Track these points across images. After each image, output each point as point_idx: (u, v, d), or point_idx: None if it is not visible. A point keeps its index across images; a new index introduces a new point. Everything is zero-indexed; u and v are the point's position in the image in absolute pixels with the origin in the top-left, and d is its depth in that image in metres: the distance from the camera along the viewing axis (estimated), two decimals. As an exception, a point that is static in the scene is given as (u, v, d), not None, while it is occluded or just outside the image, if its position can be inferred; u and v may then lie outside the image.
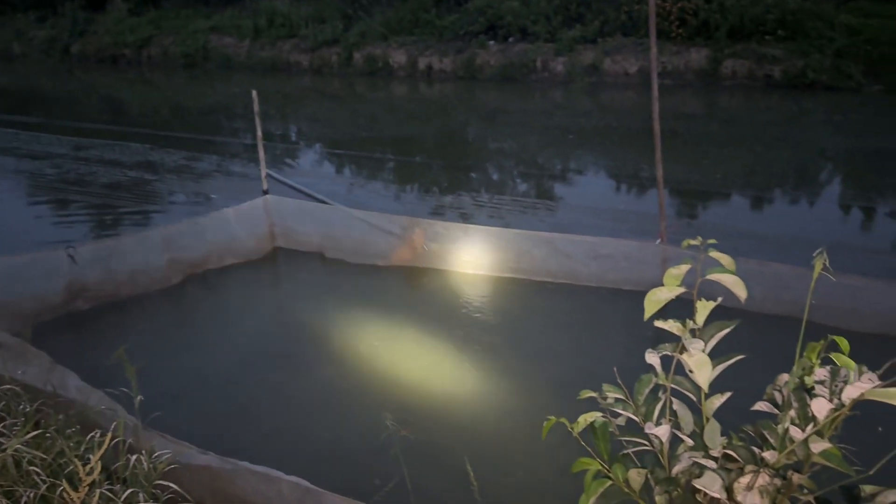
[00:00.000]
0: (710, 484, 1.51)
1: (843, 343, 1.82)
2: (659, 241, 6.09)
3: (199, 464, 3.12)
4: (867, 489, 1.80)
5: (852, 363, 1.76)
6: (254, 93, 7.33)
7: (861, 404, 1.73)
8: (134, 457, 3.07)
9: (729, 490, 1.50)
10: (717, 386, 1.98)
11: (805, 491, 1.79)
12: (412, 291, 6.76)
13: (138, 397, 3.36)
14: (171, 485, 3.02)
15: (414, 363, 5.18)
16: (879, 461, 1.83)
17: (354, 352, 5.35)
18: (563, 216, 9.60)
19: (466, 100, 19.64)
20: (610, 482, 1.76)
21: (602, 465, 1.79)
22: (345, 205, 8.23)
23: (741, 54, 17.47)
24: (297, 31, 24.71)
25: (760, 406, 1.93)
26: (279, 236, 7.60)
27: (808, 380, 1.66)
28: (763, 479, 1.49)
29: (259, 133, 7.53)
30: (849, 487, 1.83)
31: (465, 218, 9.49)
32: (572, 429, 1.96)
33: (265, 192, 7.60)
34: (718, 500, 1.54)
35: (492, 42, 21.03)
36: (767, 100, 16.59)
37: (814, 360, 1.82)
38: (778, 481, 1.51)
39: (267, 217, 7.50)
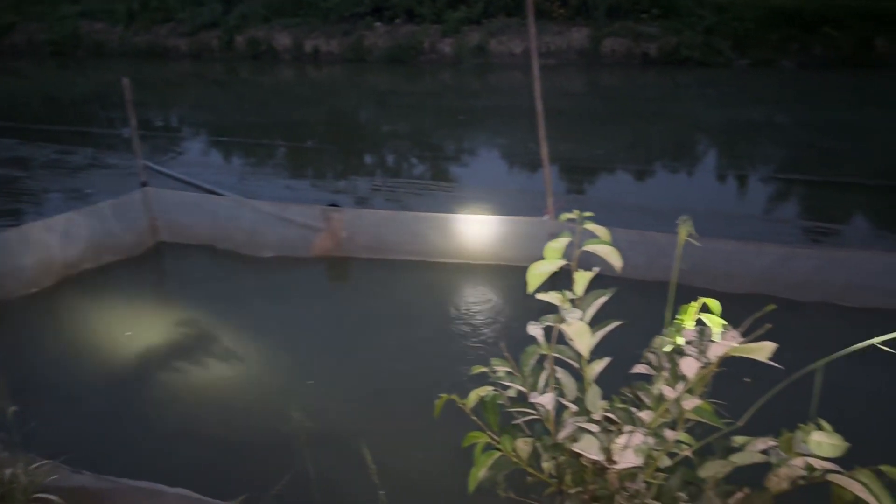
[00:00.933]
0: (589, 447, 1.56)
1: (714, 304, 1.92)
2: (546, 216, 6.25)
3: (72, 486, 2.93)
4: (738, 440, 1.92)
5: (720, 322, 1.85)
6: (125, 81, 6.93)
7: (729, 361, 1.83)
8: (9, 471, 2.87)
9: (608, 451, 1.56)
10: (602, 352, 2.05)
11: (684, 446, 1.88)
12: (309, 281, 6.63)
13: (11, 409, 3.14)
14: (52, 497, 2.84)
15: (310, 353, 5.10)
16: (747, 412, 1.94)
17: (249, 346, 5.20)
18: (459, 197, 9.68)
19: (356, 82, 19.39)
20: (499, 453, 1.78)
21: (491, 437, 1.82)
22: (235, 194, 7.97)
23: (619, 33, 18.12)
24: (173, 15, 23.60)
25: (639, 369, 2.01)
26: (162, 230, 7.26)
27: (678, 341, 1.74)
28: (637, 438, 1.55)
29: (133, 122, 7.14)
30: (722, 440, 1.95)
31: (362, 202, 9.41)
32: (463, 405, 1.97)
33: (143, 184, 7.23)
34: (614, 469, 1.60)
35: (378, 23, 20.84)
36: (645, 76, 17.30)
37: (687, 322, 1.91)
38: (652, 440, 1.58)
39: (146, 210, 7.14)
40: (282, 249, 6.85)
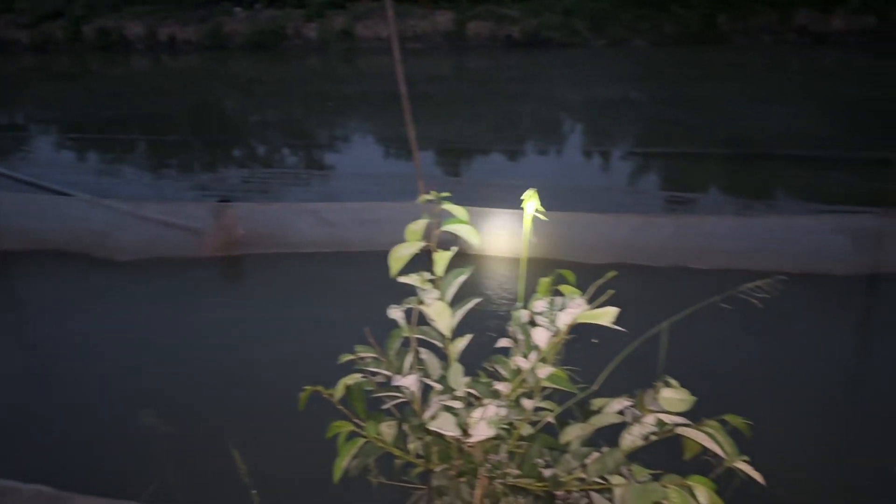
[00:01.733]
0: (445, 424, 1.58)
1: (569, 275, 1.99)
2: (418, 200, 6.27)
3: None
4: (597, 402, 2.01)
5: (575, 292, 1.93)
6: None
7: (582, 328, 1.91)
8: None
9: (464, 426, 1.59)
10: (471, 329, 2.09)
11: (546, 413, 1.94)
12: (170, 281, 6.32)
13: None
14: None
15: (174, 354, 4.88)
16: (601, 376, 2.03)
17: (108, 350, 4.91)
18: (332, 185, 9.56)
19: (218, 71, 18.65)
20: (364, 440, 1.78)
21: (356, 424, 1.81)
22: (90, 194, 7.47)
23: (483, 16, 18.45)
24: (12, 5, 21.72)
25: (504, 343, 2.07)
26: (5, 236, 6.69)
27: (531, 312, 1.80)
28: (490, 410, 1.59)
29: (-35, 121, 6.52)
30: (581, 403, 2.03)
31: (232, 196, 9.08)
32: (329, 395, 1.95)
33: (-17, 189, 6.64)
34: (469, 442, 1.63)
35: (238, 8, 20.10)
36: (509, 58, 17.74)
37: (544, 294, 1.98)
38: (504, 411, 1.62)
39: (-11, 217, 6.57)
40: (161, 251, 6.49)
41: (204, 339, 5.11)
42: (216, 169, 10.69)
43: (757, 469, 1.71)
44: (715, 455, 1.75)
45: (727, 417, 1.84)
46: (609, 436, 2.03)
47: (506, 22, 18.31)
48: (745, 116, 11.87)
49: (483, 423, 1.52)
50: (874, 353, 4.99)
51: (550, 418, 1.99)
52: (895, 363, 4.69)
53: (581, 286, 1.93)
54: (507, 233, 5.80)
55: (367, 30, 19.05)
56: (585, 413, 2.02)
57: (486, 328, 2.21)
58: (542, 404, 1.98)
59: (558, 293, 2.03)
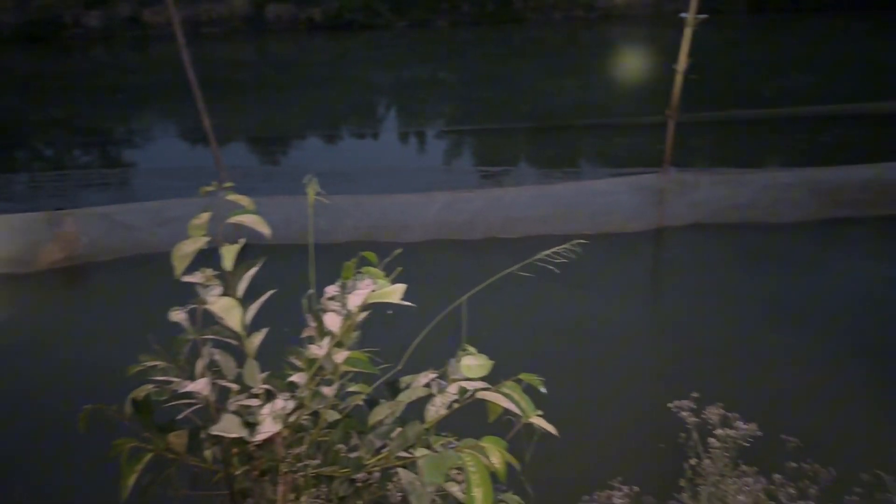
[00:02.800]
0: (228, 427, 1.51)
1: (371, 256, 1.97)
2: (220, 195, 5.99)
3: None
4: (405, 380, 2.02)
5: (378, 273, 1.91)
6: None
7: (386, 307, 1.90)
8: None
9: (252, 424, 1.53)
10: (283, 322, 2.01)
11: (351, 398, 1.92)
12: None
13: None
14: None
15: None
16: (405, 354, 2.04)
17: None
18: (132, 184, 8.89)
19: (-14, 67, 16.61)
20: (152, 454, 1.66)
21: (141, 438, 1.68)
22: None
23: (283, -1, 17.97)
24: None
25: (308, 332, 2.01)
26: None
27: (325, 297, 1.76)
28: (278, 404, 1.55)
29: None
30: (390, 382, 2.03)
31: (10, 203, 8.15)
32: (115, 412, 1.80)
33: None
34: (256, 441, 1.56)
35: (3, -3, 18.00)
36: (313, 41, 17.40)
37: (348, 278, 1.94)
38: (292, 403, 1.58)
39: None
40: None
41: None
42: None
43: (553, 420, 1.79)
44: (515, 414, 1.82)
45: (522, 376, 1.92)
46: (421, 413, 2.05)
47: (307, 4, 17.91)
48: (543, 91, 12.54)
49: (269, 419, 1.47)
50: (665, 298, 5.51)
51: (360, 401, 1.97)
52: (686, 306, 5.20)
53: (398, 266, 1.92)
54: (323, 219, 5.72)
55: (156, 16, 17.79)
56: (394, 391, 2.02)
57: (292, 321, 2.15)
58: (353, 388, 1.96)
59: (346, 281, 2.00)
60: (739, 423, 1.72)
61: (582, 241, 2.60)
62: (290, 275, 2.14)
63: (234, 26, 17.89)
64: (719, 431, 1.71)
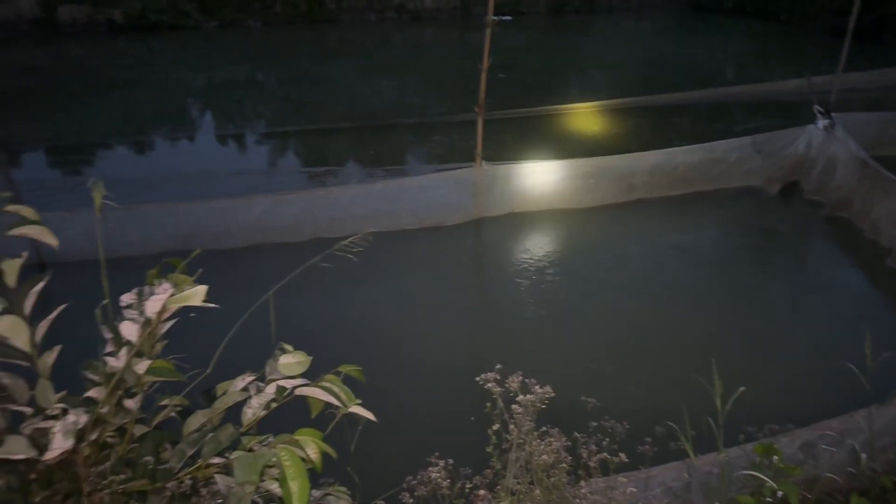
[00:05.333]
0: (14, 449, 1.42)
1: (177, 262, 1.90)
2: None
3: None
4: (222, 385, 1.98)
5: (186, 279, 1.85)
6: None
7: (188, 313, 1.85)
8: None
9: (43, 443, 1.45)
10: (74, 340, 1.89)
11: (161, 410, 1.86)
12: None
13: None
14: None
15: None
16: (213, 358, 2.00)
17: None
18: None
19: None
20: (-70, 494, 1.52)
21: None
22: None
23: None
24: None
25: (110, 346, 1.91)
26: None
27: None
28: (69, 419, 1.48)
29: None
30: (206, 390, 1.99)
31: None
32: None
33: None
34: (45, 459, 1.48)
35: None
36: (116, 44, 16.24)
37: (154, 284, 1.87)
38: (85, 417, 1.52)
39: None
40: None
41: None
42: None
43: (372, 407, 1.85)
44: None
45: (342, 368, 1.96)
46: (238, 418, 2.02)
47: (104, 5, 16.65)
48: (361, 91, 12.60)
49: (59, 436, 1.40)
50: (482, 281, 5.78)
51: (174, 412, 1.91)
52: (500, 287, 5.49)
53: (219, 272, 1.87)
54: (135, 231, 5.41)
55: (-77, 17, 15.78)
56: (210, 399, 1.98)
57: (93, 337, 2.03)
58: (165, 401, 1.90)
59: (142, 287, 1.93)
60: (537, 388, 1.87)
61: (371, 231, 2.70)
62: (92, 290, 2.04)
63: (21, 30, 16.24)
64: (521, 398, 1.85)
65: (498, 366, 1.98)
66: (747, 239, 6.60)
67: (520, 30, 18.43)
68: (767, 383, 4.13)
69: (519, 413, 1.84)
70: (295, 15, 18.00)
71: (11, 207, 1.94)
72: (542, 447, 1.81)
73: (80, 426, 1.44)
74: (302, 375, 1.93)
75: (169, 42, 16.34)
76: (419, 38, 18.74)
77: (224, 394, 1.96)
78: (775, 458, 2.64)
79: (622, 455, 1.92)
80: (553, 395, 1.87)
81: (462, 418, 2.91)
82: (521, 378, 1.91)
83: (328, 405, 1.94)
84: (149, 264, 1.92)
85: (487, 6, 5.98)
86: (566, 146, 9.23)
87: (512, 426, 1.84)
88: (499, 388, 1.89)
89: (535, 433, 1.83)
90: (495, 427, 1.83)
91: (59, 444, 1.40)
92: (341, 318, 4.88)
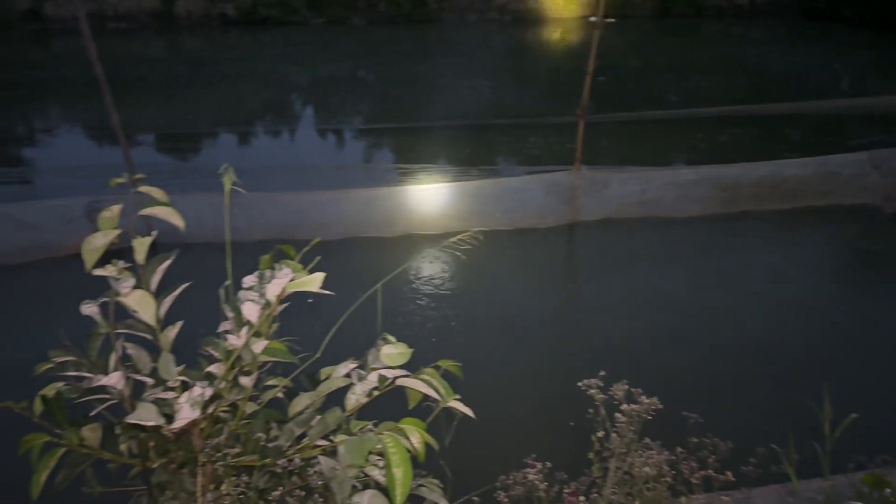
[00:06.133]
0: (145, 415, 1.51)
1: (289, 249, 1.98)
2: (133, 190, 5.82)
3: None
4: (325, 371, 2.04)
5: (296, 266, 1.93)
6: None
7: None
8: None
9: (169, 414, 1.53)
10: (195, 318, 1.99)
11: (269, 390, 1.93)
12: None
13: None
14: None
15: None
16: (322, 343, 2.06)
17: None
18: (35, 183, 8.48)
19: None
20: (64, 449, 1.63)
21: (52, 434, 1.65)
22: None
23: (193, -7, 17.45)
24: None
25: (226, 326, 2.01)
26: None
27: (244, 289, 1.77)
28: (195, 391, 1.55)
29: None
30: (310, 373, 2.05)
31: None
32: (23, 411, 1.75)
33: None
34: (173, 428, 1.56)
35: None
36: (227, 37, 16.98)
37: (270, 269, 1.95)
38: (210, 390, 1.59)
39: None
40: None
41: None
42: None
43: (470, 404, 1.86)
44: (435, 399, 1.87)
45: (441, 363, 1.98)
46: (341, 402, 2.07)
47: (219, 0, 17.46)
48: (457, 91, 12.68)
49: (187, 406, 1.47)
50: (577, 287, 5.71)
51: (279, 393, 1.98)
52: (595, 293, 5.41)
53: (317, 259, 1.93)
54: (239, 218, 5.64)
55: (59, 9, 16.93)
56: (313, 382, 2.04)
57: (205, 316, 2.13)
58: (272, 381, 1.97)
59: (263, 271, 2.01)
60: (643, 399, 1.83)
61: (481, 230, 2.70)
62: (203, 271, 2.14)
63: (142, 22, 17.23)
64: (625, 406, 1.82)
65: (601, 372, 1.95)
66: (862, 258, 6.24)
67: (623, 33, 18.09)
68: (882, 412, 3.90)
69: (622, 422, 1.80)
70: (398, 14, 18.31)
71: (143, 188, 2.06)
72: (644, 458, 1.77)
73: (205, 398, 1.52)
74: (400, 367, 1.97)
75: (277, 36, 16.94)
76: (519, 39, 18.68)
77: (327, 378, 2.02)
78: (887, 490, 2.49)
79: (728, 474, 1.86)
80: (661, 407, 1.83)
81: (558, 422, 2.89)
82: (626, 386, 1.88)
83: (424, 398, 1.97)
84: (251, 250, 2.00)
85: (594, 8, 5.90)
86: (667, 154, 8.98)
87: (614, 435, 1.81)
88: (602, 396, 1.86)
89: (638, 444, 1.80)
90: (599, 434, 1.80)
91: (187, 414, 1.48)
92: (435, 314, 4.92)
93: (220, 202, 5.73)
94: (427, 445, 1.73)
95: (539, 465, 1.87)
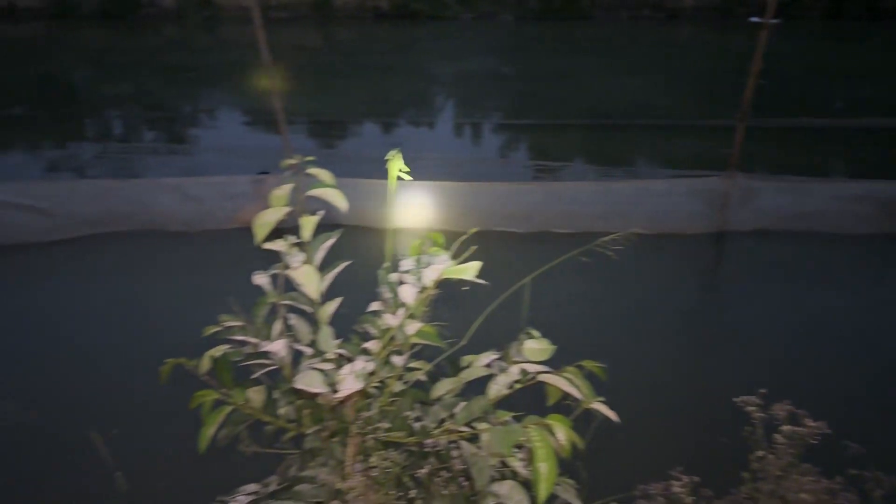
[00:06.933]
0: (311, 382, 1.58)
1: (438, 237, 2.02)
2: (288, 172, 6.15)
3: None
4: (466, 359, 2.07)
5: (444, 252, 1.97)
6: None
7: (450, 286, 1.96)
8: None
9: (332, 383, 1.60)
10: (340, 295, 2.08)
11: (415, 372, 1.98)
12: (11, 268, 5.84)
13: None
14: None
15: (25, 342, 4.55)
16: (469, 331, 2.09)
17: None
18: (195, 159, 9.16)
19: (66, 40, 17.23)
20: (231, 408, 1.75)
21: (221, 393, 1.77)
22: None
23: (351, -14, 18.17)
24: None
25: (375, 306, 2.08)
26: None
27: (399, 271, 1.82)
28: (358, 364, 1.61)
29: None
30: (452, 359, 2.09)
31: (81, 173, 8.51)
32: (194, 368, 1.89)
33: None
34: (328, 396, 1.64)
35: (84, -26, 18.64)
36: (379, 30, 17.55)
37: (414, 255, 2.00)
38: (372, 365, 1.65)
39: None
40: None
41: (66, 322, 4.78)
42: (66, 144, 9.95)
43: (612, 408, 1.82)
44: (575, 399, 1.84)
45: (584, 363, 1.94)
46: (478, 391, 2.09)
47: (374, -7, 18.09)
48: (605, 89, 12.41)
49: (351, 377, 1.53)
50: (728, 298, 5.44)
51: (421, 375, 2.03)
52: (738, 310, 5.13)
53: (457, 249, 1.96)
54: (379, 203, 5.81)
55: (229, -2, 18.22)
56: (456, 368, 2.07)
57: (356, 294, 2.21)
58: (414, 364, 2.02)
59: (420, 256, 2.06)
60: (808, 421, 1.71)
61: (638, 231, 2.61)
62: (350, 254, 2.20)
63: (301, 12, 18.16)
64: (785, 428, 1.71)
65: (761, 390, 1.84)
66: None
67: (788, 34, 16.99)
68: None
69: (781, 444, 1.70)
70: (548, 10, 18.18)
71: (312, 170, 2.16)
72: (802, 484, 1.66)
73: (367, 372, 1.57)
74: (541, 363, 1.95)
75: (426, 30, 17.32)
76: (672, 37, 18.01)
77: (468, 366, 2.04)
78: None
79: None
80: (828, 432, 1.70)
81: (706, 437, 2.77)
82: (788, 407, 1.76)
83: (564, 397, 1.94)
84: (392, 236, 2.04)
85: (753, 7, 5.57)
86: (829, 165, 8.37)
87: (771, 456, 1.71)
88: (760, 414, 1.75)
89: (796, 469, 1.69)
90: (756, 454, 1.70)
91: (350, 385, 1.54)
92: (578, 312, 4.84)
93: (362, 187, 5.93)
94: (576, 443, 1.71)
95: (685, 479, 1.80)
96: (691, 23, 18.88)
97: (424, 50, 16.07)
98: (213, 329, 2.01)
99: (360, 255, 2.16)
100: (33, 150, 9.90)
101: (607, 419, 1.84)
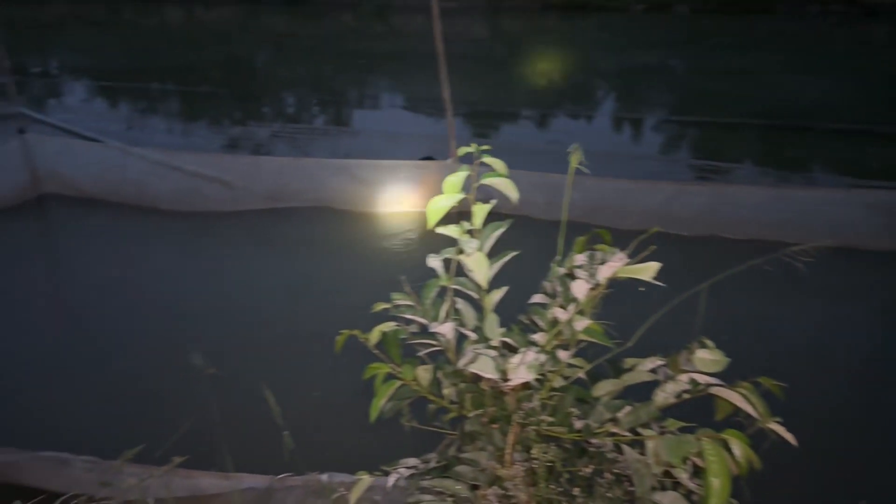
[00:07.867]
0: (485, 367, 1.60)
1: (605, 234, 1.99)
2: (451, 159, 6.27)
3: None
4: (629, 361, 2.02)
5: (611, 250, 1.93)
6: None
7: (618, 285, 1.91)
8: None
9: (503, 371, 1.61)
10: (499, 284, 2.10)
11: (577, 369, 1.96)
12: (199, 234, 6.39)
13: None
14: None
15: (209, 302, 4.97)
16: (636, 333, 2.03)
17: (145, 297, 5.01)
18: (361, 142, 9.57)
19: (250, 25, 18.58)
20: (400, 383, 1.81)
21: (392, 368, 1.84)
22: (121, 142, 7.54)
23: (521, -23, 18.15)
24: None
25: (537, 299, 2.08)
26: (46, 181, 6.81)
27: (571, 266, 1.80)
28: (530, 355, 1.61)
29: (5, 64, 6.59)
30: (613, 360, 2.04)
31: (258, 149, 9.15)
32: (365, 340, 1.98)
33: (21, 132, 6.72)
34: (497, 383, 1.66)
35: (272, -37, 19.96)
36: (546, 21, 17.42)
37: (580, 251, 1.98)
38: (543, 357, 1.64)
39: (27, 160, 6.67)
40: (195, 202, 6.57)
41: (246, 289, 5.18)
42: (245, 122, 10.74)
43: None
44: (746, 416, 1.75)
45: (761, 380, 1.83)
46: (636, 395, 2.04)
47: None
48: (786, 87, 11.59)
49: (522, 368, 1.54)
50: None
51: (582, 373, 2.00)
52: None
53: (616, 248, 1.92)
54: (540, 196, 5.79)
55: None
56: (617, 370, 2.03)
57: (519, 284, 2.22)
58: (573, 361, 1.99)
59: (594, 251, 2.02)
60: None
61: (822, 244, 2.41)
62: (514, 244, 2.19)
63: (471, 2, 18.41)
64: None
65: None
66: None
67: None
68: None
69: None
70: (726, 2, 17.22)
71: (487, 159, 2.18)
72: None
73: (539, 363, 1.58)
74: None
75: (594, 22, 16.99)
76: (867, 34, 16.46)
77: (631, 369, 1.98)
78: None
79: None
80: None
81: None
82: None
83: (733, 413, 1.84)
84: (546, 229, 2.00)
85: None
86: None
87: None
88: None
89: None
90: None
91: (523, 375, 1.55)
92: (747, 326, 4.57)
93: (525, 178, 5.92)
94: (753, 462, 1.62)
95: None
96: (890, 20, 17.13)
97: (591, 42, 15.78)
98: (382, 305, 2.09)
99: (523, 246, 2.16)
100: (215, 125, 10.77)
101: (779, 444, 1.74)
